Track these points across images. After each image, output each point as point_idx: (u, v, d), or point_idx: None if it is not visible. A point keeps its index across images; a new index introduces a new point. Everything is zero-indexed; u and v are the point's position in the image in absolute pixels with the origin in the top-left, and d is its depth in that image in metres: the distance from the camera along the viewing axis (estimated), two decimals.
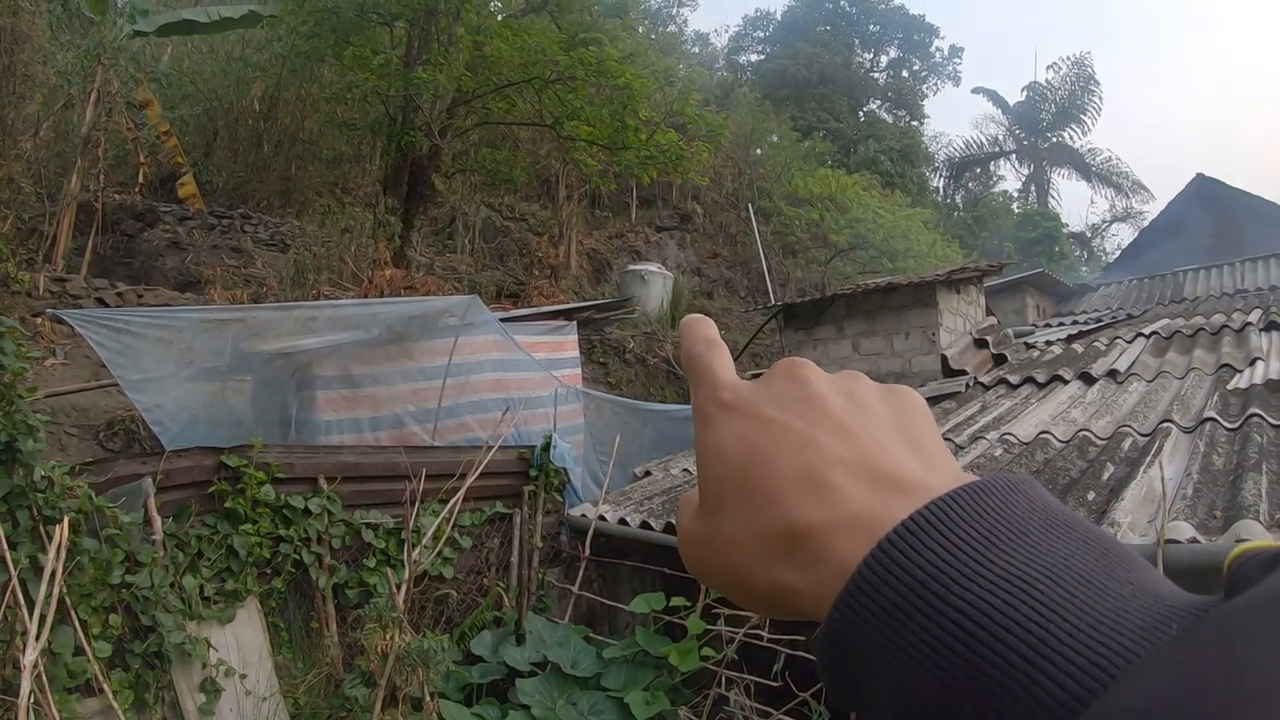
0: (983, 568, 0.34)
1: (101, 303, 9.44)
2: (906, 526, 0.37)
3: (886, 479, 0.42)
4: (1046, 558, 0.35)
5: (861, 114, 36.41)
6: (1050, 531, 0.36)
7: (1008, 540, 0.36)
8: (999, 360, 8.86)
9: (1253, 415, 5.17)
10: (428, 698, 4.62)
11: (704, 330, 0.55)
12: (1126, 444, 5.25)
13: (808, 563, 0.41)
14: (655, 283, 14.61)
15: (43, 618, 3.76)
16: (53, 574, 3.85)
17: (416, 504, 5.42)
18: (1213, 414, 5.39)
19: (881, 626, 0.35)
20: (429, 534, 5.42)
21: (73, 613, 4.23)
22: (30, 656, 3.54)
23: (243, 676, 4.97)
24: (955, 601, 0.34)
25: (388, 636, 4.56)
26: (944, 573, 0.35)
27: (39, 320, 8.46)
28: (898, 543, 0.36)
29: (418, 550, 5.14)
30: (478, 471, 5.53)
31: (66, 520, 4.04)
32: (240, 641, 5.08)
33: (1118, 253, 24.28)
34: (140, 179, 13.20)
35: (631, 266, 15.65)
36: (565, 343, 9.35)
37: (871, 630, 0.35)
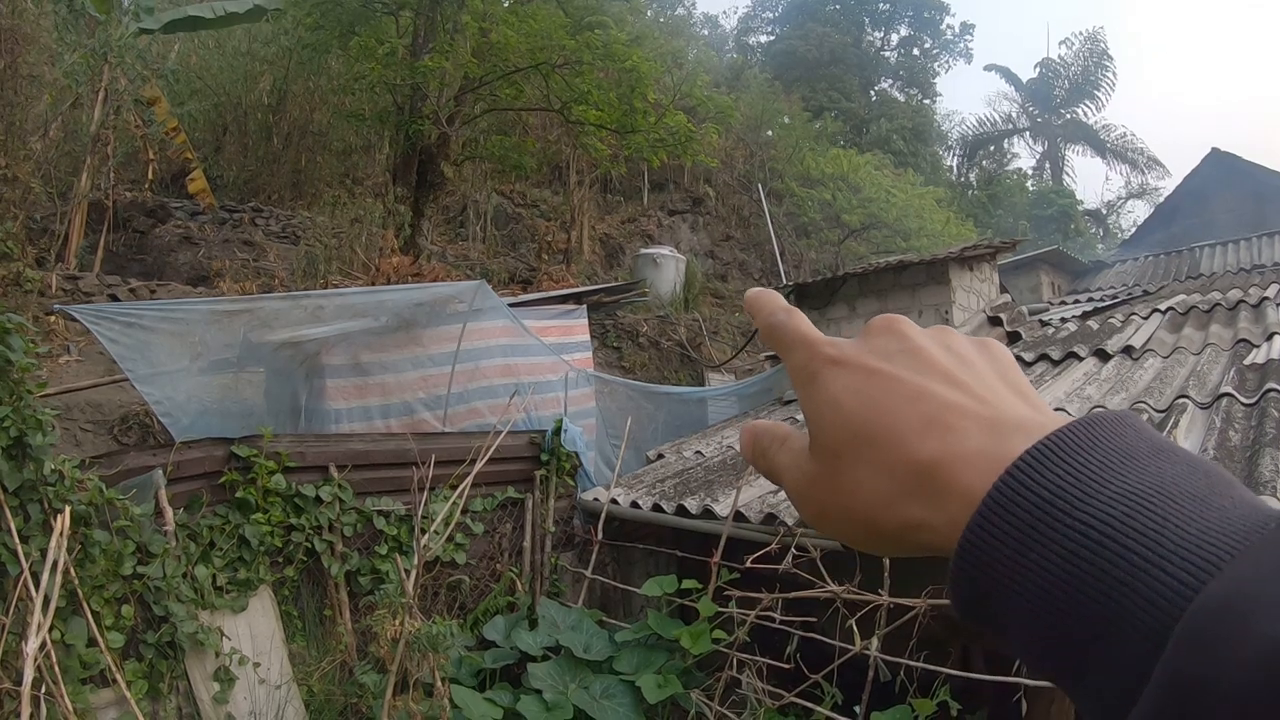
0: (1101, 487, 0.38)
1: (114, 299, 9.48)
2: (1031, 454, 0.40)
3: (1001, 420, 0.45)
4: (1156, 478, 0.38)
5: (873, 93, 36.16)
6: (1157, 457, 0.40)
7: (1121, 464, 0.39)
8: (1013, 338, 8.78)
9: (1270, 390, 5.09)
10: (439, 683, 4.62)
11: (776, 300, 0.58)
12: (1142, 420, 5.18)
13: (937, 496, 0.44)
14: (668, 266, 14.58)
15: (45, 605, 3.77)
16: (54, 564, 3.85)
17: (425, 490, 5.41)
18: (1229, 389, 5.31)
19: (1014, 543, 0.39)
20: (439, 520, 5.42)
21: (84, 604, 4.25)
22: (32, 645, 3.55)
23: (256, 665, 4.99)
24: (1081, 516, 0.38)
25: (397, 622, 4.56)
26: (1068, 492, 0.39)
27: (52, 318, 8.50)
28: (1024, 468, 0.40)
29: (427, 536, 5.13)
30: (486, 456, 5.52)
31: (68, 510, 4.05)
32: (254, 630, 5.10)
33: (1133, 229, 24.07)
34: (150, 176, 13.22)
35: (644, 250, 15.61)
36: (575, 326, 9.32)
37: (1005, 547, 0.39)
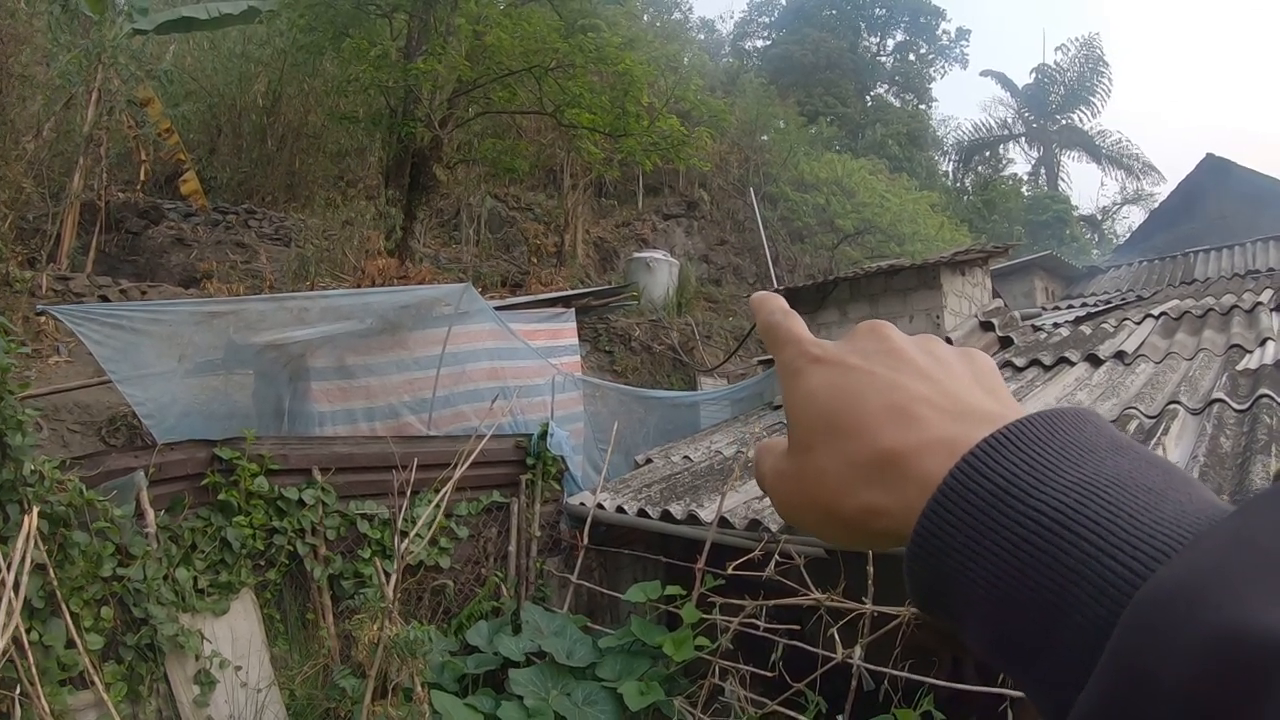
0: (1057, 476, 0.39)
1: (105, 300, 9.44)
2: (988, 442, 0.41)
3: (968, 411, 0.46)
4: (1112, 470, 0.39)
5: (869, 98, 36.20)
6: (1116, 451, 0.40)
7: (1078, 456, 0.40)
8: (1005, 343, 8.75)
9: (1262, 396, 5.07)
10: (418, 688, 4.59)
11: (777, 302, 0.60)
12: (1132, 426, 5.16)
13: (896, 483, 0.44)
14: (661, 270, 14.55)
15: (13, 605, 3.73)
16: (21, 563, 3.81)
17: (408, 494, 5.38)
18: (1221, 395, 5.28)
19: (967, 529, 0.39)
20: (420, 524, 5.37)
21: (63, 605, 4.21)
22: None
23: (237, 668, 4.95)
24: (1034, 504, 0.38)
25: (376, 627, 4.52)
26: (1023, 479, 0.39)
27: (43, 319, 8.47)
28: (981, 455, 0.41)
29: (407, 541, 5.09)
30: (469, 461, 5.47)
31: (35, 510, 4.01)
32: (235, 633, 5.07)
33: (1129, 235, 24.07)
34: (143, 177, 13.20)
35: (637, 254, 15.58)
36: (564, 330, 9.29)
37: (958, 533, 0.40)
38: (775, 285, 14.49)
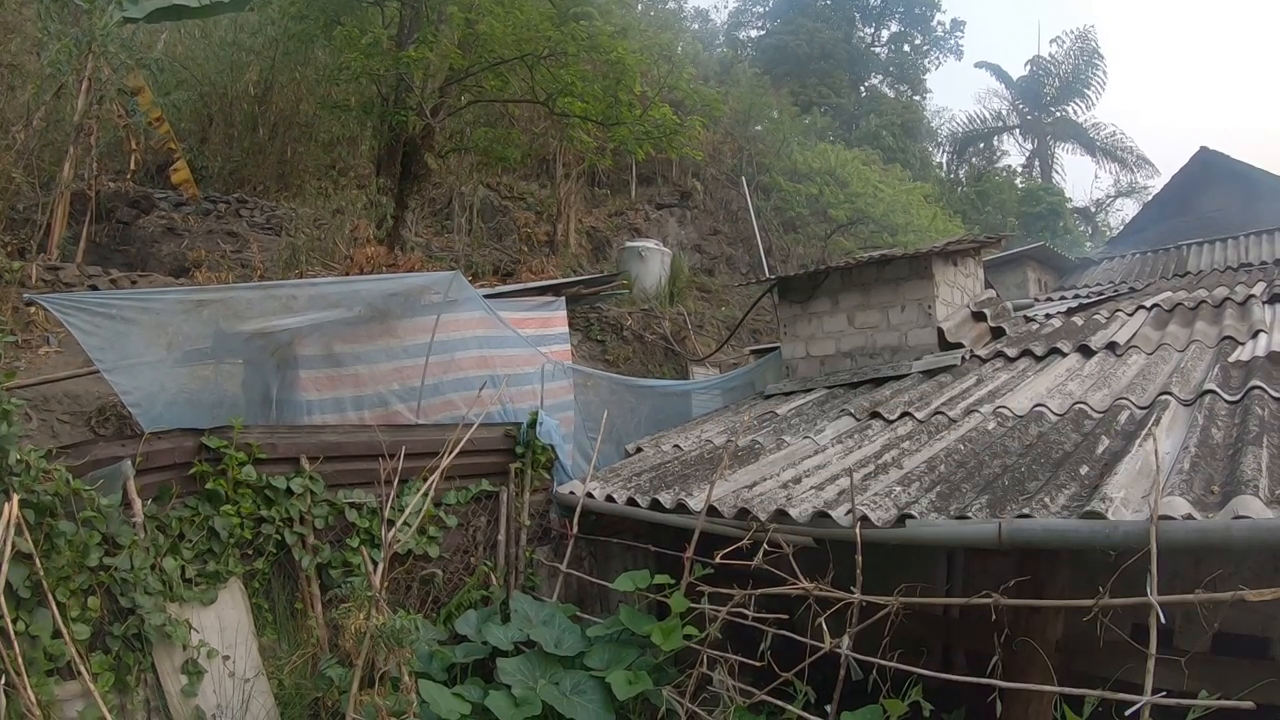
0: None
1: (94, 289, 9.39)
2: None
3: None
4: None
5: (863, 89, 36.22)
6: None
7: None
8: (997, 333, 8.75)
9: (1254, 388, 5.08)
10: (405, 677, 4.57)
11: None
12: (1123, 417, 5.17)
13: None
14: (653, 259, 14.53)
15: None
16: (3, 549, 3.79)
17: (395, 482, 5.36)
18: (1213, 386, 5.29)
19: None
20: (408, 512, 5.35)
21: (50, 595, 4.18)
22: None
23: (225, 658, 4.93)
24: None
25: (362, 616, 4.50)
26: None
27: (32, 309, 8.42)
28: None
29: (394, 530, 5.07)
30: (458, 449, 5.45)
31: (16, 498, 3.98)
32: (223, 623, 5.04)
33: (1122, 227, 24.07)
34: (134, 166, 13.12)
35: (629, 243, 15.56)
36: (553, 318, 9.26)
37: None
38: (768, 275, 14.47)
